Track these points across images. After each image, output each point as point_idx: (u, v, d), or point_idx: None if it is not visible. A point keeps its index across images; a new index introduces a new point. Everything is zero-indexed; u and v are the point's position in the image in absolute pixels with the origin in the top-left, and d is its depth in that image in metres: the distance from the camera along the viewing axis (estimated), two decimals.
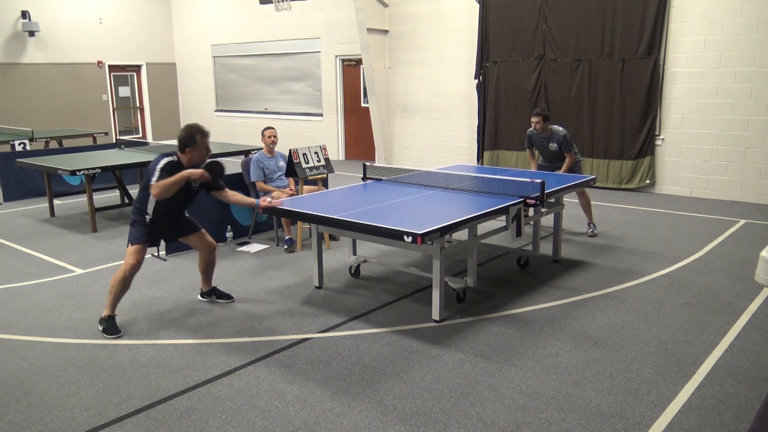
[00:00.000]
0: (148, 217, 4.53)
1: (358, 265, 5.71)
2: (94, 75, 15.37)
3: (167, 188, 4.29)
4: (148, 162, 8.02)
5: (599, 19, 9.58)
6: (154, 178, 4.32)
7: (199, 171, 4.38)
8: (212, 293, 5.09)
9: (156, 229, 4.60)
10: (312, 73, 13.93)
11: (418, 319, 4.67)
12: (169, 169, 4.36)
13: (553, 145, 6.94)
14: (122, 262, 6.15)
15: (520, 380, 3.74)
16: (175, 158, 4.45)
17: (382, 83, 12.19)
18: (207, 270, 4.99)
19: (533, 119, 6.92)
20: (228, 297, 5.10)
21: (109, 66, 15.63)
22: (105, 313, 4.49)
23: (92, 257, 6.42)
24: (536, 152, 7.43)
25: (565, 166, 6.94)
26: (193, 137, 4.42)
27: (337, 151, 13.65)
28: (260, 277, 5.73)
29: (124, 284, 4.44)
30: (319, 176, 6.73)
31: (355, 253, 5.72)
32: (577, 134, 10.02)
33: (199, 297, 5.14)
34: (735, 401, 3.49)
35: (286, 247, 6.58)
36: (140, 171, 9.28)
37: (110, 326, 4.44)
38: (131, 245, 4.48)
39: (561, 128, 6.96)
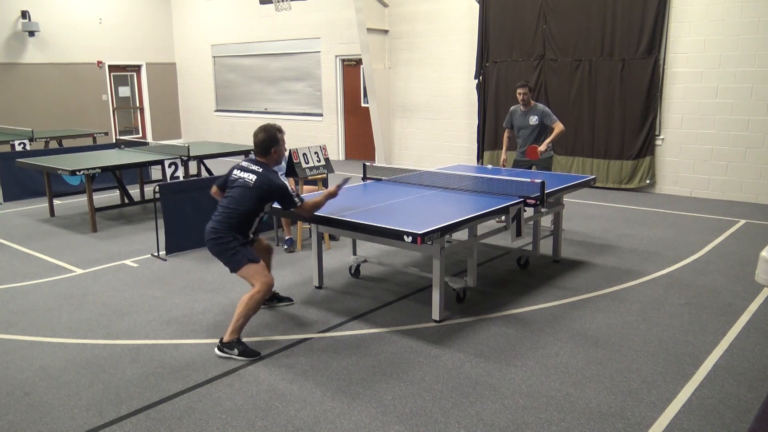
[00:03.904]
0: (251, 235, 4.34)
1: (358, 265, 5.71)
2: (94, 75, 15.37)
3: (318, 208, 4.49)
4: (148, 162, 8.13)
5: (599, 19, 9.58)
6: (296, 199, 4.31)
7: (334, 189, 4.53)
8: (273, 298, 4.94)
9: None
10: (312, 73, 13.93)
11: (418, 319, 4.67)
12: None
13: (534, 119, 7.01)
14: (121, 262, 6.21)
15: (520, 380, 3.74)
16: (272, 169, 4.35)
17: (382, 83, 12.19)
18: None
19: (520, 90, 7.03)
20: (288, 300, 5.02)
21: (109, 66, 15.63)
22: (231, 337, 4.08)
23: (92, 257, 6.42)
24: (510, 148, 7.50)
25: (553, 135, 6.95)
26: (275, 136, 4.36)
27: (337, 151, 13.65)
28: None
29: (258, 307, 4.13)
30: (319, 176, 6.73)
31: (355, 253, 5.72)
32: (577, 134, 10.04)
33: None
34: (735, 401, 3.49)
35: (286, 247, 6.58)
36: (140, 171, 9.28)
37: (246, 348, 4.08)
38: (251, 265, 4.13)
39: (540, 104, 7.12)
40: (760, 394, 3.54)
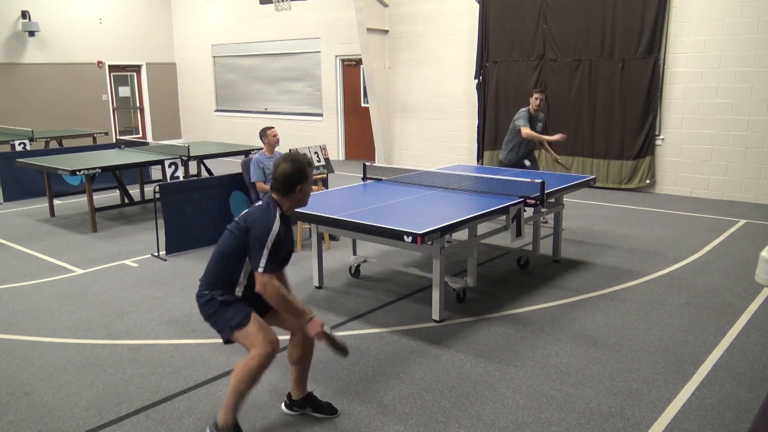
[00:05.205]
0: (239, 290, 3.15)
1: (358, 265, 5.71)
2: (94, 75, 15.37)
3: (279, 302, 3.03)
4: (148, 162, 8.13)
5: (599, 19, 9.58)
6: (264, 258, 2.97)
7: (316, 330, 3.05)
8: (308, 402, 3.42)
9: (250, 299, 3.19)
10: (312, 73, 13.93)
11: (418, 319, 4.67)
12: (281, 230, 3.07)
13: (540, 125, 7.22)
14: (121, 262, 6.21)
15: (520, 380, 3.74)
16: (278, 212, 3.09)
17: (382, 83, 12.19)
18: (303, 361, 3.37)
19: (539, 95, 7.16)
20: (332, 411, 3.42)
21: (109, 66, 15.63)
22: (225, 419, 3.07)
23: (92, 257, 6.42)
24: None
25: (547, 136, 7.22)
26: (305, 170, 3.12)
27: (337, 151, 13.64)
28: None
29: (254, 379, 3.03)
30: (319, 176, 6.73)
31: (355, 253, 5.72)
32: (577, 134, 10.04)
33: (285, 409, 3.45)
34: (735, 401, 3.49)
35: None
36: (140, 171, 9.28)
37: None
38: (238, 331, 3.06)
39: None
40: (760, 394, 3.54)
